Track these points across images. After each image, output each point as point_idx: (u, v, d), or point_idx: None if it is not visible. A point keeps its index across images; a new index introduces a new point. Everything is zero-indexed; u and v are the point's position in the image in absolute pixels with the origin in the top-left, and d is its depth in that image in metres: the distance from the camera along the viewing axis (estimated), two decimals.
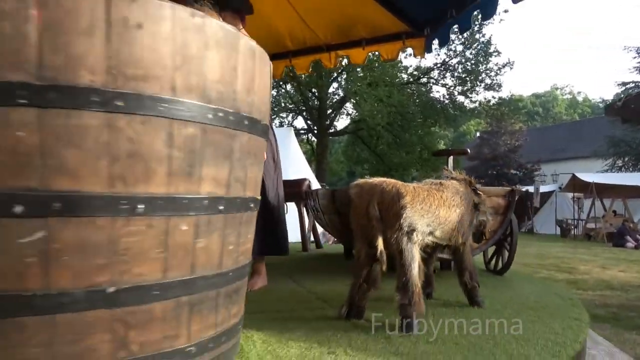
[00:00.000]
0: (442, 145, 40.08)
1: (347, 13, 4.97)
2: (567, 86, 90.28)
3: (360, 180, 2.30)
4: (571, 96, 74.20)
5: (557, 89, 77.23)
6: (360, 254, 2.27)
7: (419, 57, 5.58)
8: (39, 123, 1.04)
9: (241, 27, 3.06)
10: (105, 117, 1.11)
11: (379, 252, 2.14)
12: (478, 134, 45.86)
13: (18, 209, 1.03)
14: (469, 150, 5.84)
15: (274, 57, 5.42)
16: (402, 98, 17.19)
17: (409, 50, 5.20)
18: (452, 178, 2.75)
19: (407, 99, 18.08)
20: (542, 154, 39.67)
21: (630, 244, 13.07)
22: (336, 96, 20.73)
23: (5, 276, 1.04)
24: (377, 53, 5.59)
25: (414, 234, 2.17)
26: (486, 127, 42.18)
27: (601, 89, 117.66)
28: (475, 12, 4.27)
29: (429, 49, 5.17)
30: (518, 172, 39.02)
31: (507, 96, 23.60)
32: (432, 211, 2.28)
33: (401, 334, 2.12)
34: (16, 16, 1.01)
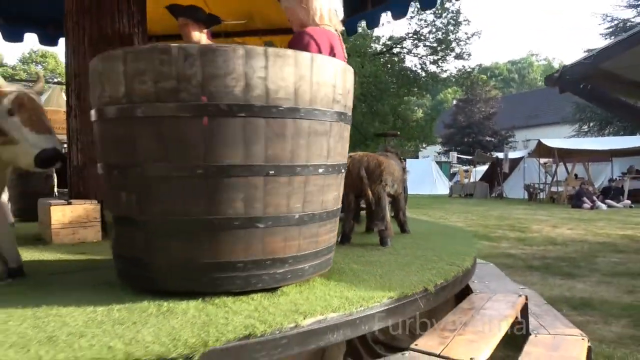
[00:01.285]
0: (419, 113, 40.68)
1: (247, 7, 5.68)
2: (541, 53, 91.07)
3: (353, 154, 3.32)
4: (546, 62, 75.07)
5: (532, 55, 78.01)
6: (351, 203, 3.37)
7: None
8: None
9: (204, 32, 3.60)
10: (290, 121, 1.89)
11: (369, 198, 3.25)
12: (454, 102, 46.55)
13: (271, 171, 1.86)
14: (398, 133, 6.76)
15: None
16: (374, 69, 17.52)
17: (383, 19, 5.72)
18: (390, 152, 4.15)
19: (379, 69, 18.40)
20: (516, 120, 40.53)
21: (587, 204, 13.91)
22: None
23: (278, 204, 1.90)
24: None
25: (386, 187, 3.37)
26: (462, 95, 42.89)
27: (576, 55, 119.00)
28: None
29: None
30: (492, 139, 39.95)
31: (477, 65, 24.00)
32: (393, 173, 3.49)
33: (379, 247, 3.27)
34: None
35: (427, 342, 1.98)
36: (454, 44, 19.78)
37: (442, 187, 26.99)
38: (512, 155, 22.36)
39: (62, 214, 3.34)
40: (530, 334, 2.72)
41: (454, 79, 20.43)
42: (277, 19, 5.91)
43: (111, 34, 3.91)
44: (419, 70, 20.67)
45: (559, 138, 22.26)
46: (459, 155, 30.92)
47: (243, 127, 1.79)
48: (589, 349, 2.59)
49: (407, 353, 1.89)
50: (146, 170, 1.84)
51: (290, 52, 1.86)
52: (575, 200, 14.38)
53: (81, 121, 3.85)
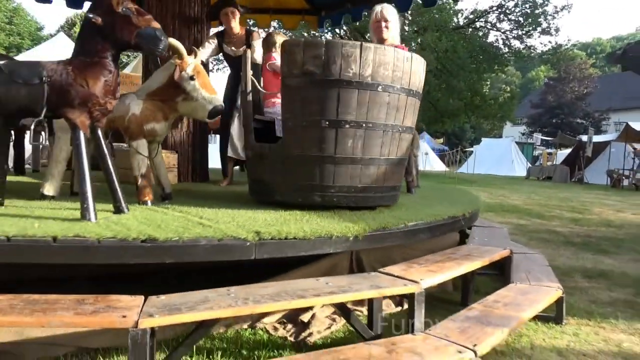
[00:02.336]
0: (506, 91, 38.77)
1: None
2: None
3: None
4: None
5: None
6: None
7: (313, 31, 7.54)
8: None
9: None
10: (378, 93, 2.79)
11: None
12: (545, 81, 43.77)
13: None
14: None
15: None
16: (449, 44, 17.24)
17: None
18: None
19: (458, 44, 18.05)
20: (613, 102, 37.43)
21: None
22: None
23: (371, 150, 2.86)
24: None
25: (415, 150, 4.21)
26: (555, 74, 40.23)
27: None
28: None
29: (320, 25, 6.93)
30: (584, 121, 37.32)
31: (566, 41, 22.50)
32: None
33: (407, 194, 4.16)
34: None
35: (393, 269, 2.48)
36: (541, 18, 18.79)
37: (521, 169, 26.01)
38: (599, 139, 21.04)
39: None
40: (511, 283, 3.12)
41: (538, 56, 19.46)
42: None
43: (187, 15, 4.67)
44: (501, 46, 19.94)
45: None
46: (542, 137, 29.45)
47: (356, 95, 2.73)
48: (560, 298, 2.95)
49: (373, 273, 2.41)
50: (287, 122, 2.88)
51: (389, 48, 2.85)
52: None
53: None
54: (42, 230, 2.05)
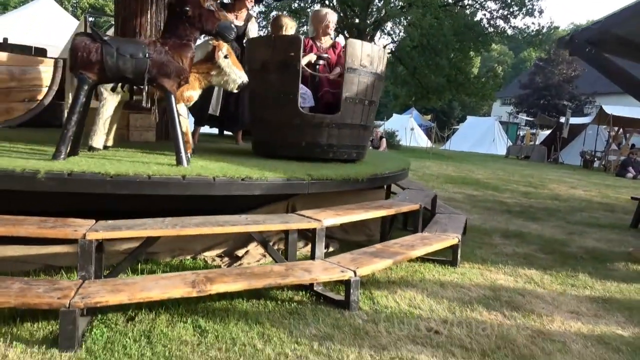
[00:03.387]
0: (499, 69, 39.11)
1: None
2: None
3: None
4: None
5: None
6: None
7: None
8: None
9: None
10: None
11: None
12: (535, 62, 44.04)
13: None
14: None
15: None
16: (433, 21, 17.51)
17: None
18: None
19: (442, 21, 18.32)
20: (600, 86, 37.80)
21: (630, 174, 13.72)
22: (373, 14, 21.10)
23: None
24: None
25: None
26: (545, 55, 40.50)
27: None
28: None
29: None
30: (570, 104, 37.85)
31: (549, 22, 22.78)
32: None
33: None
34: None
35: (307, 212, 3.01)
36: None
37: (502, 147, 26.64)
38: (576, 121, 21.62)
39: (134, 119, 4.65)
40: (419, 232, 3.69)
41: (522, 37, 19.79)
42: None
43: None
44: (486, 25, 20.23)
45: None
46: (525, 117, 30.01)
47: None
48: (455, 245, 3.52)
49: (289, 214, 2.95)
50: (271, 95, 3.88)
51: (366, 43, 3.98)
52: (620, 169, 14.20)
53: None
54: (136, 170, 2.67)
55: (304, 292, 2.71)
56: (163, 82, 3.01)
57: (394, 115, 32.17)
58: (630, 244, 4.75)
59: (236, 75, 3.56)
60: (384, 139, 15.03)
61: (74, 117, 2.90)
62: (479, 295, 2.93)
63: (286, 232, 2.89)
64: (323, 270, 2.56)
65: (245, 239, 3.36)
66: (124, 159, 3.18)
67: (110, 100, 3.41)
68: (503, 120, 35.15)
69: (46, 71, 3.18)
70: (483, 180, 10.06)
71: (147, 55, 2.94)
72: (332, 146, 3.93)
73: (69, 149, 2.96)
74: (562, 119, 21.54)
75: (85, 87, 2.92)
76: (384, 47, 25.12)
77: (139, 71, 2.94)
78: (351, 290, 2.52)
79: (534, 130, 28.12)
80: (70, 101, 3.17)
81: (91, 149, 3.38)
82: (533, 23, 19.18)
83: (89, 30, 3.45)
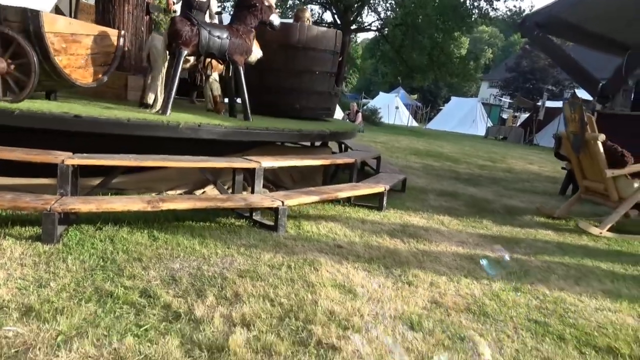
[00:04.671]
0: (489, 53, 39.47)
1: None
2: None
3: None
4: None
5: None
6: None
7: None
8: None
9: None
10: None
11: None
12: (522, 45, 44.56)
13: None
14: None
15: None
16: (418, 1, 17.90)
17: None
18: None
19: (425, 1, 18.72)
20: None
21: None
22: None
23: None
24: None
25: None
26: None
27: None
28: None
29: None
30: (554, 88, 38.62)
31: (529, 6, 23.26)
32: None
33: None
34: None
35: (253, 157, 3.62)
36: None
37: (482, 129, 27.34)
38: (553, 104, 22.33)
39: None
40: (354, 182, 4.32)
41: (502, 19, 20.27)
42: None
43: None
44: (470, 7, 20.66)
45: None
46: (507, 100, 30.70)
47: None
48: (381, 193, 4.16)
49: (237, 157, 3.55)
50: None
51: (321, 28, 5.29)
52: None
53: None
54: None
55: (244, 220, 3.34)
56: (236, 57, 4.08)
57: (380, 93, 32.64)
58: (549, 205, 5.44)
59: (257, 49, 4.44)
60: (360, 113, 15.59)
61: (176, 81, 3.74)
62: (389, 229, 3.58)
63: (234, 173, 3.50)
64: (258, 200, 3.19)
65: (203, 181, 3.97)
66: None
67: (162, 67, 4.17)
68: (487, 102, 35.85)
69: (114, 40, 3.79)
70: (447, 154, 10.73)
71: (229, 38, 3.97)
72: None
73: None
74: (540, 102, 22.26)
75: (181, 59, 3.80)
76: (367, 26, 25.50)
77: (223, 49, 3.98)
78: (279, 216, 3.15)
79: (517, 114, 28.85)
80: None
81: (145, 105, 4.16)
82: (515, 6, 19.74)
83: (178, 14, 4.34)
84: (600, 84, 6.36)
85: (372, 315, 2.09)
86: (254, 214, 3.34)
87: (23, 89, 3.20)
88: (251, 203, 3.13)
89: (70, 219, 2.86)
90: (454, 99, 32.54)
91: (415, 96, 37.57)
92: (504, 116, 34.45)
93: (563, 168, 6.72)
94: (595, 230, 4.09)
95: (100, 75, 3.78)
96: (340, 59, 5.91)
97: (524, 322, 2.17)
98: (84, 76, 3.62)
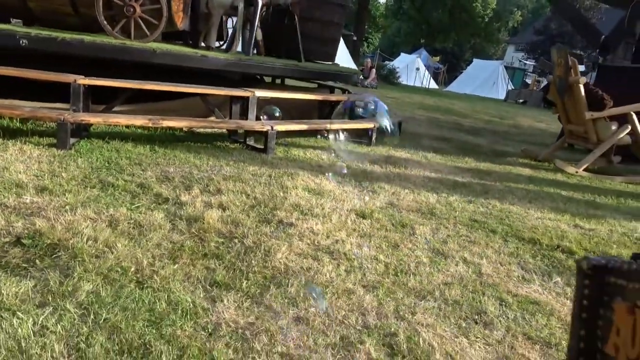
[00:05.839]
0: (517, 14, 38.29)
1: None
2: None
3: None
4: None
5: None
6: None
7: None
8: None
9: None
10: None
11: None
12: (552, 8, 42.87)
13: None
14: None
15: None
16: None
17: None
18: None
19: None
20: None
21: None
22: None
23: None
24: None
25: None
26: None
27: None
28: None
29: None
30: (582, 53, 37.42)
31: None
32: None
33: None
34: None
35: (253, 89, 3.93)
36: None
37: (503, 92, 26.98)
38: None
39: None
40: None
41: None
42: None
43: None
44: None
45: None
46: (532, 63, 30.00)
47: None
48: (370, 129, 4.44)
49: (230, 88, 3.87)
50: None
51: None
52: None
53: None
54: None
55: (238, 144, 3.69)
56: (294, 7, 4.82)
57: (402, 54, 32.20)
58: (537, 152, 5.65)
59: None
60: (374, 69, 15.61)
61: (256, 25, 4.31)
62: (372, 158, 3.89)
63: (231, 102, 3.83)
64: (250, 124, 3.52)
65: (206, 114, 4.31)
66: None
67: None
68: (511, 65, 35.04)
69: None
70: (456, 110, 10.84)
71: (291, 8, 4.67)
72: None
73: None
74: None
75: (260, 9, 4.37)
76: None
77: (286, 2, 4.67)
78: (268, 139, 3.48)
79: (540, 78, 28.24)
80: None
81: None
82: None
83: None
84: (603, 36, 6.41)
85: (332, 208, 2.44)
86: (247, 139, 3.68)
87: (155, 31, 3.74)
88: (243, 125, 3.47)
89: (82, 134, 3.24)
90: (475, 61, 31.91)
91: (438, 58, 36.79)
92: (528, 81, 33.76)
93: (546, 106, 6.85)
94: (571, 169, 4.33)
95: (183, 19, 4.17)
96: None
97: (465, 221, 2.49)
98: (178, 21, 4.01)
